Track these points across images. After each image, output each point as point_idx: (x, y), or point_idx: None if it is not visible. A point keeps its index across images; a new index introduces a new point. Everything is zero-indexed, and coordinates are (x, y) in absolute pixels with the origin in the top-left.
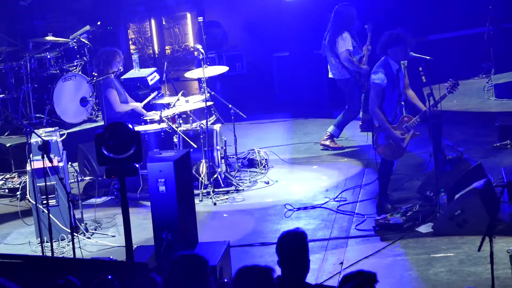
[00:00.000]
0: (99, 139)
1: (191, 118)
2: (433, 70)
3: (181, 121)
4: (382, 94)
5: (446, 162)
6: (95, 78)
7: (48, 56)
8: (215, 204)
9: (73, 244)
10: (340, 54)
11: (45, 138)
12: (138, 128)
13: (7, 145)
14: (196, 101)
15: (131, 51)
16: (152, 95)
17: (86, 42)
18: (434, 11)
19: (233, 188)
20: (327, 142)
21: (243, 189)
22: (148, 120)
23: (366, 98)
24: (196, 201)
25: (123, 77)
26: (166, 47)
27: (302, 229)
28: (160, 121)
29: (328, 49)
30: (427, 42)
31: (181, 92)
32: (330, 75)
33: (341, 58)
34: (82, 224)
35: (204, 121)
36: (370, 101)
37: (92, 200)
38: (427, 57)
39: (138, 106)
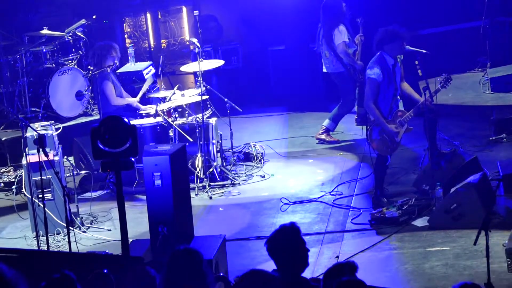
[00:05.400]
0: (94, 133)
1: (186, 112)
2: (429, 64)
3: (176, 115)
4: (377, 89)
5: (441, 156)
6: (90, 72)
7: (44, 50)
8: (211, 198)
9: (68, 238)
10: (337, 47)
11: (41, 132)
12: (133, 122)
13: (3, 139)
14: (191, 95)
15: (127, 44)
16: (145, 84)
17: (81, 36)
18: (429, 4)
19: (229, 182)
20: (323, 136)
21: (239, 183)
22: (143, 114)
23: (361, 92)
24: (192, 195)
25: (118, 70)
26: (162, 41)
27: (295, 224)
28: (156, 115)
29: (323, 42)
30: (423, 36)
31: (176, 86)
32: (325, 69)
33: (338, 50)
34: (78, 218)
35: (199, 115)
36: (365, 96)
37: (88, 194)
38: (423, 51)
39: (134, 101)
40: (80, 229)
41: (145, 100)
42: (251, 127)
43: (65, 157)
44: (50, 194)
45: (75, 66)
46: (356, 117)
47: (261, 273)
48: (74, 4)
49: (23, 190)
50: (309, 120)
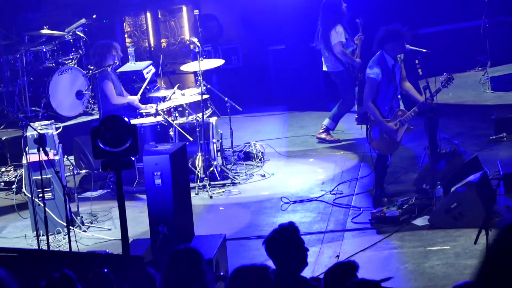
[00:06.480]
0: (95, 132)
1: (187, 111)
2: (429, 63)
3: (177, 114)
4: (376, 88)
5: (441, 156)
6: (90, 71)
7: (44, 49)
8: (211, 197)
9: (69, 237)
10: (333, 47)
11: (41, 132)
12: (134, 121)
13: (3, 138)
14: (192, 94)
15: (127, 44)
16: (145, 83)
17: (81, 35)
18: (430, 4)
19: (229, 181)
20: (323, 135)
21: (239, 182)
22: (144, 114)
23: (360, 91)
24: (192, 194)
25: (118, 70)
26: (162, 40)
27: (293, 224)
28: (156, 114)
29: (321, 42)
30: (423, 35)
31: (177, 85)
32: (324, 68)
33: (335, 50)
34: (78, 218)
35: (200, 114)
36: (364, 95)
37: (88, 194)
38: (423, 50)
39: (135, 99)
40: (80, 228)
41: (145, 100)
42: (251, 126)
43: (65, 156)
44: (50, 194)
45: (75, 66)
46: (356, 116)
47: (251, 268)
48: (74, 3)
49: (23, 189)
50: (309, 119)
